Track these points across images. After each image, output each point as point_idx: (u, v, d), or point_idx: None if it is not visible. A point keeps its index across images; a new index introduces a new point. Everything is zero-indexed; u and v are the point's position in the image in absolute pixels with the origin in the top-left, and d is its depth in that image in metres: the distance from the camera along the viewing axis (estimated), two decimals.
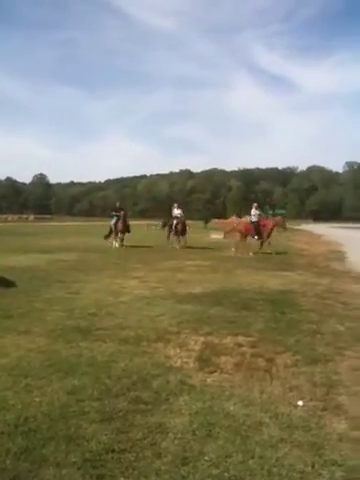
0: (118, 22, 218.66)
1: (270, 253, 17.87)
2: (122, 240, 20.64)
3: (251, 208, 19.89)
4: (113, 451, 3.03)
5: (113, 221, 21.00)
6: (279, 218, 22.51)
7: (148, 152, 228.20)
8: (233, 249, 18.86)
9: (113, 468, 2.84)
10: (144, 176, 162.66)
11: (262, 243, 18.95)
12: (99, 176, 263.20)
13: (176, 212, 22.15)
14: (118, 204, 22.71)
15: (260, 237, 18.94)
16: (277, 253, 17.90)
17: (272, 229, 19.48)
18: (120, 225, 20.60)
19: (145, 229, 41.05)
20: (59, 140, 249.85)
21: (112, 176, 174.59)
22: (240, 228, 19.97)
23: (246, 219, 21.70)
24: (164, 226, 25.44)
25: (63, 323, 6.33)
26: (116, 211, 21.36)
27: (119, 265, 13.43)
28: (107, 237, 21.26)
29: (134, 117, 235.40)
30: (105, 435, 3.22)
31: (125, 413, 3.56)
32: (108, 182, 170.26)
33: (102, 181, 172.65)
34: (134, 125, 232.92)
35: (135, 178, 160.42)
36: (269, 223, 19.77)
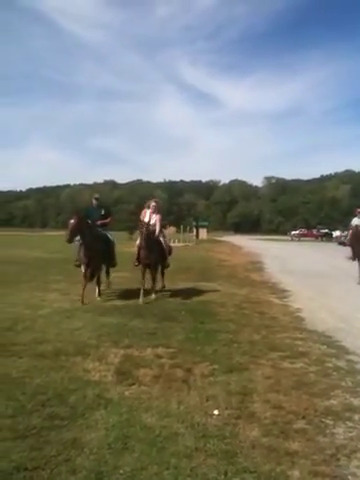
0: (43, 31, 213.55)
1: None
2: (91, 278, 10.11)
3: (354, 215, 14.61)
4: (25, 469, 2.95)
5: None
6: None
7: (71, 162, 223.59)
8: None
9: None
10: (68, 186, 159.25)
11: None
12: (19, 185, 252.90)
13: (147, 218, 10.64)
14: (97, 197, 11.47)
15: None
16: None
17: None
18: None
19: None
20: None
21: (34, 185, 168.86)
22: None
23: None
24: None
25: None
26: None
27: (39, 277, 13.03)
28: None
29: (57, 127, 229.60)
30: (17, 453, 3.13)
31: (39, 430, 3.48)
32: (29, 191, 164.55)
33: (23, 190, 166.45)
34: (57, 135, 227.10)
35: (58, 187, 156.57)
36: None
